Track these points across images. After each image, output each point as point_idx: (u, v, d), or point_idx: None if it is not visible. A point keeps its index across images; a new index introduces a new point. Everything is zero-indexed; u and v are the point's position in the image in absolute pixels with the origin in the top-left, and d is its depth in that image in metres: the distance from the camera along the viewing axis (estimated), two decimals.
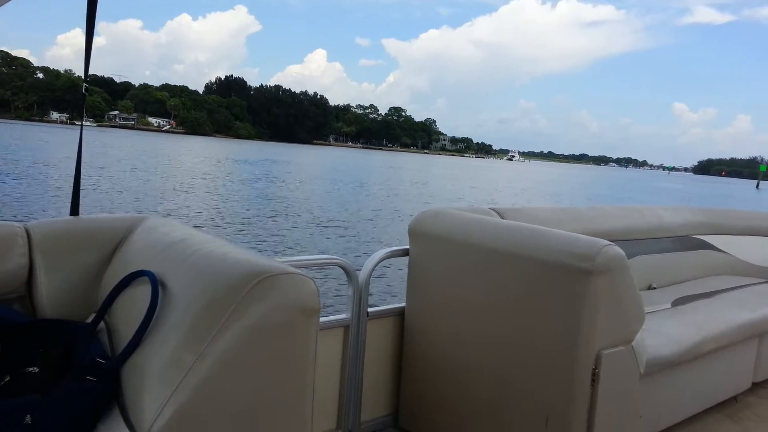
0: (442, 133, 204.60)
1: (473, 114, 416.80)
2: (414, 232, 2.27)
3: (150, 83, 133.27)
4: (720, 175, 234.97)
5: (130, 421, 1.10)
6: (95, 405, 1.14)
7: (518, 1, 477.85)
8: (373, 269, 2.18)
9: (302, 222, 15.33)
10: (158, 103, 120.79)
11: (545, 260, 1.79)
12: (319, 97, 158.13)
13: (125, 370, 1.18)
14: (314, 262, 2.08)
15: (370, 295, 2.20)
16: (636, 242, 3.11)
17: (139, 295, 1.29)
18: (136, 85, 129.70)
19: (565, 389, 1.76)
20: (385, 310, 2.29)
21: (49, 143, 44.07)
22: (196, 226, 1.70)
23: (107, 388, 1.17)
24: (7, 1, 1.57)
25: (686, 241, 3.47)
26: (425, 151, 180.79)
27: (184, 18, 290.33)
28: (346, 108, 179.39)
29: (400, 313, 2.32)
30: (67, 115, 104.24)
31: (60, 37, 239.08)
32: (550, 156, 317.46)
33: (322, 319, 2.02)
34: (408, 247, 2.29)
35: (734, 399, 2.74)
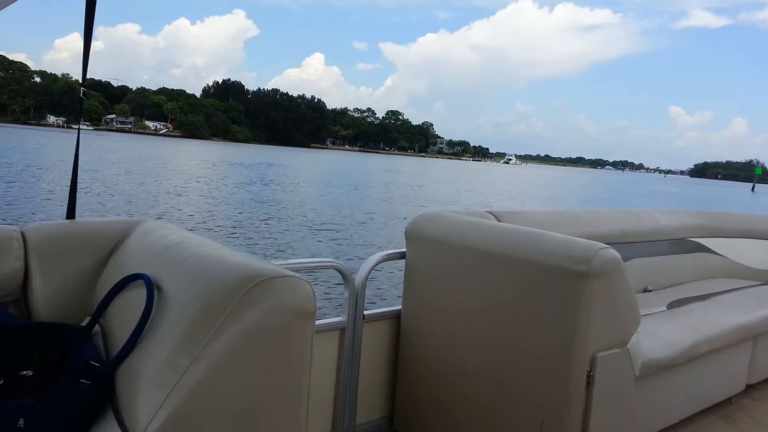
0: (440, 137, 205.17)
1: (470, 117, 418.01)
2: (411, 235, 2.26)
3: (147, 87, 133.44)
4: (716, 178, 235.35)
5: (125, 424, 1.09)
6: (89, 408, 1.14)
7: (515, 5, 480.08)
8: (370, 272, 2.18)
9: (294, 225, 15.31)
10: (155, 106, 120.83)
11: (541, 263, 1.79)
12: (316, 100, 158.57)
13: (120, 374, 1.18)
14: (310, 265, 2.08)
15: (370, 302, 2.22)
16: (632, 245, 3.11)
17: (135, 298, 1.29)
18: (134, 89, 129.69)
19: (560, 392, 1.76)
20: (381, 312, 2.29)
21: (46, 146, 44.06)
22: (188, 230, 1.72)
23: (101, 391, 1.17)
24: (9, 3, 1.58)
25: (682, 244, 3.48)
26: (422, 154, 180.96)
27: (182, 22, 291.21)
28: (344, 111, 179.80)
29: (396, 316, 2.32)
30: (63, 119, 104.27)
31: (58, 41, 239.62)
32: (546, 159, 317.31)
33: (318, 322, 2.01)
34: (405, 250, 2.29)
35: (729, 401, 2.74)
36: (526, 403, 1.85)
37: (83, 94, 1.97)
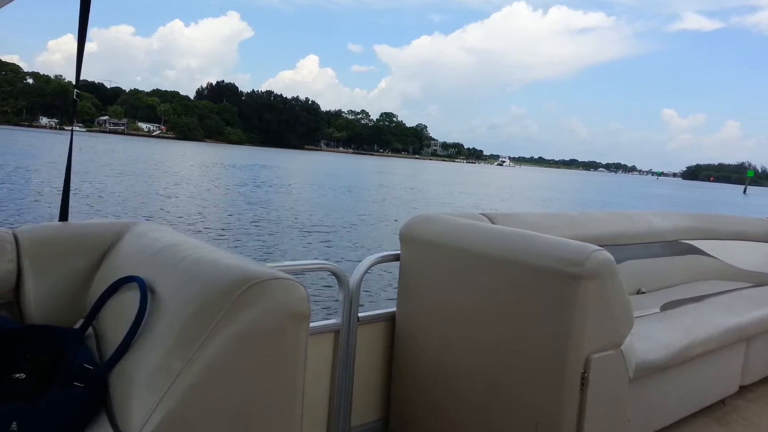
0: (434, 139, 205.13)
1: (464, 120, 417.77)
2: (405, 237, 2.27)
3: (141, 89, 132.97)
4: (708, 180, 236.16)
5: (119, 427, 1.09)
6: (82, 411, 1.14)
7: (509, 8, 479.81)
8: (364, 274, 2.18)
9: (284, 227, 15.25)
10: (149, 108, 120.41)
11: (535, 265, 1.80)
12: (310, 102, 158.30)
13: (113, 377, 1.18)
14: (305, 267, 2.08)
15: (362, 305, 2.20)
16: (625, 247, 3.13)
17: (128, 300, 1.28)
18: (127, 91, 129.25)
19: (554, 393, 1.77)
20: (375, 315, 2.29)
21: (37, 147, 43.82)
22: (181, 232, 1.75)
23: (95, 394, 1.16)
24: (8, 2, 1.57)
25: (675, 246, 3.49)
26: (416, 156, 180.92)
27: (176, 24, 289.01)
28: (338, 113, 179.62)
29: (390, 318, 2.32)
30: (56, 120, 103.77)
31: (51, 43, 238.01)
32: (540, 161, 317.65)
33: (312, 324, 2.01)
34: (399, 252, 2.29)
35: (722, 402, 2.76)
36: (520, 405, 1.85)
37: (77, 95, 1.97)
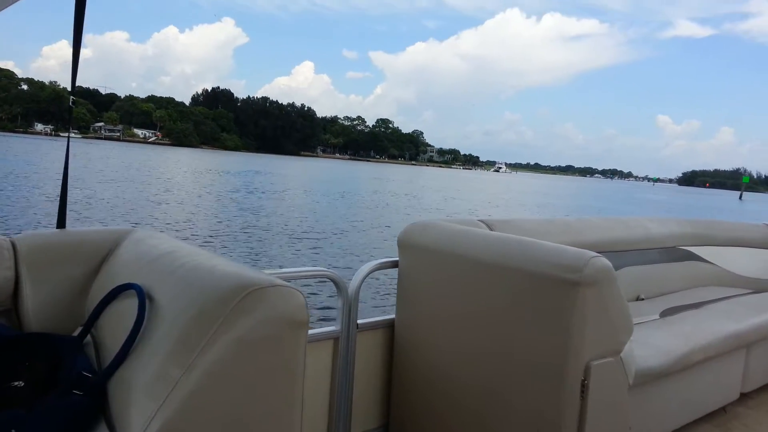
0: (430, 145, 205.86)
1: (460, 126, 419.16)
2: (403, 244, 2.27)
3: (136, 95, 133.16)
4: (704, 186, 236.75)
5: None
6: (81, 419, 1.13)
7: (503, 15, 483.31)
8: (363, 281, 2.18)
9: (274, 234, 15.05)
10: (144, 114, 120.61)
11: (533, 272, 1.79)
12: (306, 108, 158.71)
13: (112, 384, 1.18)
14: (303, 274, 2.08)
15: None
16: (624, 253, 3.13)
17: (126, 308, 1.28)
18: (122, 97, 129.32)
19: (554, 401, 1.76)
20: (374, 322, 2.29)
21: (29, 154, 43.62)
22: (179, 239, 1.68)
23: (93, 402, 1.16)
24: (8, 5, 1.59)
25: (673, 253, 3.50)
26: (413, 162, 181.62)
27: (171, 30, 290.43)
28: (334, 120, 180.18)
29: (389, 325, 2.32)
30: (51, 127, 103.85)
31: (45, 49, 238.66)
32: (536, 167, 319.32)
33: (311, 331, 2.01)
34: (397, 258, 2.29)
35: (723, 410, 2.74)
36: (520, 412, 1.85)
37: (73, 102, 1.96)
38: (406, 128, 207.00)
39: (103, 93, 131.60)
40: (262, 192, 28.52)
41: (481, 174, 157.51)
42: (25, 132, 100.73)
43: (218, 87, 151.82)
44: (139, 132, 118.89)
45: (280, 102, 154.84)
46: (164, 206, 19.13)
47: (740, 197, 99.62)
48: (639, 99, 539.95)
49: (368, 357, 2.27)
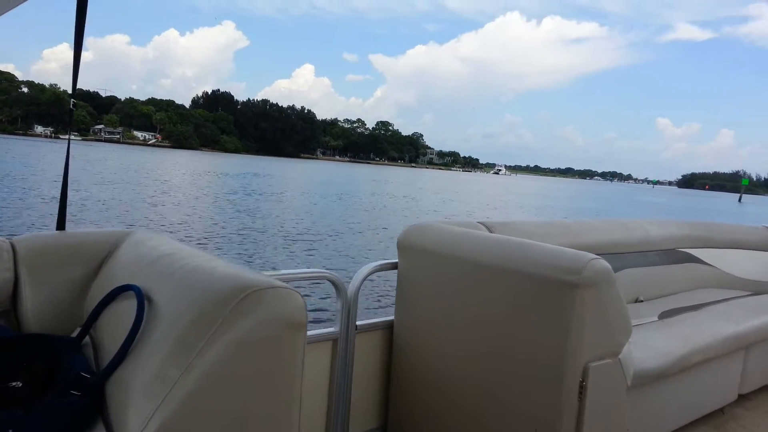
0: (429, 147, 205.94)
1: (460, 128, 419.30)
2: (403, 246, 2.27)
3: (136, 97, 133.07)
4: (703, 188, 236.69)
5: None
6: (79, 419, 1.13)
7: (503, 18, 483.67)
8: (362, 283, 2.19)
9: (269, 236, 14.97)
10: (144, 117, 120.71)
11: (532, 273, 1.80)
12: (306, 111, 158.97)
13: (110, 385, 1.18)
14: (302, 275, 2.08)
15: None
16: (623, 256, 3.14)
17: (125, 309, 1.29)
18: (122, 99, 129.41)
19: (552, 402, 1.76)
20: (373, 323, 2.30)
21: (28, 156, 43.61)
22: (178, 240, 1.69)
23: (91, 402, 1.17)
24: (12, 7, 1.59)
25: (673, 255, 3.51)
26: (412, 164, 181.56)
27: (172, 33, 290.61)
28: (334, 122, 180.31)
29: (388, 327, 2.32)
30: (51, 129, 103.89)
31: (46, 52, 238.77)
32: (536, 170, 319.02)
33: (310, 333, 2.01)
34: (397, 260, 2.30)
35: (721, 411, 2.75)
36: (518, 413, 1.85)
37: (73, 105, 1.96)
38: (406, 131, 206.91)
39: (103, 95, 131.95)
40: (260, 194, 28.42)
41: (480, 176, 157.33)
42: (25, 134, 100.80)
43: (218, 90, 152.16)
44: (138, 134, 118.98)
45: (280, 104, 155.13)
46: (160, 208, 19.06)
47: (739, 199, 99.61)
48: (639, 102, 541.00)
49: (367, 358, 2.27)
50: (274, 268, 9.20)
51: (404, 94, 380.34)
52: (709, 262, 3.68)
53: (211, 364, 1.03)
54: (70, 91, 1.84)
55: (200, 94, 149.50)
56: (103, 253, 1.69)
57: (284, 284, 1.15)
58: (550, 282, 1.74)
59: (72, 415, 1.12)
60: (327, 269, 2.14)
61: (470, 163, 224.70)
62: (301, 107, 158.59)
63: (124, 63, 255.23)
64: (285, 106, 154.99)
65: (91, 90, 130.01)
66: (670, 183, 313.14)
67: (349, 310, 2.13)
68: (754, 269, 3.73)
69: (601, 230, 3.13)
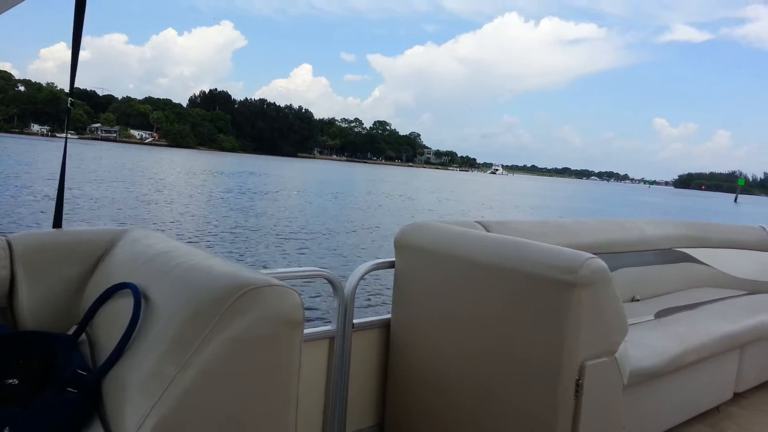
0: (427, 147, 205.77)
1: (457, 128, 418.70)
2: (400, 245, 2.28)
3: (133, 96, 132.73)
4: (700, 188, 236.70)
5: None
6: (76, 417, 1.14)
7: (502, 19, 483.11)
8: (359, 281, 2.19)
9: (261, 234, 14.91)
10: (141, 115, 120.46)
11: (529, 273, 1.80)
12: (304, 110, 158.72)
13: (106, 382, 1.18)
14: (299, 274, 2.09)
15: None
16: (619, 255, 3.16)
17: (122, 307, 1.29)
18: (119, 98, 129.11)
19: (549, 400, 1.77)
20: (370, 321, 2.30)
21: (23, 154, 43.49)
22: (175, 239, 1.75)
23: (88, 399, 1.17)
24: (10, 6, 1.60)
25: (669, 254, 3.53)
26: (409, 164, 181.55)
27: (170, 33, 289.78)
28: (331, 122, 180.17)
29: (385, 325, 2.33)
30: (48, 128, 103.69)
31: (43, 51, 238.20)
32: (533, 170, 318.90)
33: (307, 331, 2.02)
34: (394, 259, 2.30)
35: (716, 409, 2.77)
36: (515, 411, 1.86)
37: (71, 104, 1.96)
38: (404, 130, 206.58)
39: (100, 94, 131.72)
40: (254, 192, 28.39)
41: (477, 176, 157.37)
42: (22, 133, 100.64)
43: (216, 89, 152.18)
44: (135, 133, 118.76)
45: (277, 104, 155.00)
46: (153, 206, 19.01)
47: (735, 200, 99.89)
48: (636, 102, 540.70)
49: (364, 357, 2.28)
50: (265, 266, 9.22)
51: (402, 94, 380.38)
52: (705, 262, 3.70)
53: (207, 362, 1.03)
54: (67, 90, 1.85)
55: (197, 93, 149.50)
56: (100, 251, 1.69)
57: (281, 282, 1.15)
58: (546, 281, 1.75)
59: (69, 412, 1.13)
60: (321, 268, 2.14)
61: (467, 163, 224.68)
62: (299, 107, 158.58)
63: (121, 62, 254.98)
64: (282, 105, 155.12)
65: (89, 89, 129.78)
66: (666, 183, 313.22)
67: (346, 309, 2.13)
68: (750, 269, 3.76)
69: (598, 230, 3.14)
